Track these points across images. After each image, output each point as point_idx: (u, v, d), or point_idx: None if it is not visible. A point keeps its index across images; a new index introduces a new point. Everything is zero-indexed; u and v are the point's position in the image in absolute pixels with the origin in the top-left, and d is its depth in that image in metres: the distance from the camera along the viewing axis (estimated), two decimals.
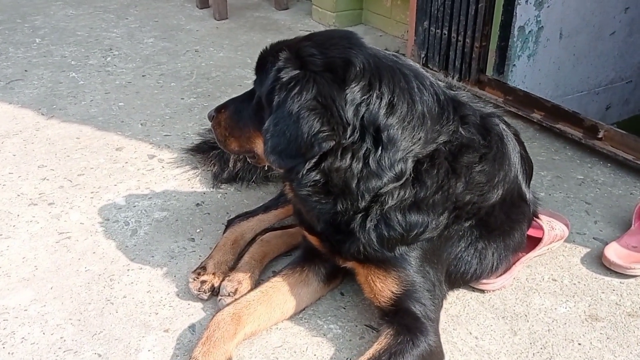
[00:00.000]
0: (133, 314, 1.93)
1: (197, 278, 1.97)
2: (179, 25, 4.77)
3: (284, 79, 1.59)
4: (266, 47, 1.78)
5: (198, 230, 2.34)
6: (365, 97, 1.59)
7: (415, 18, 3.56)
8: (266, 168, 2.38)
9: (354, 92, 1.58)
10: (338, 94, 1.57)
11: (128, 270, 2.13)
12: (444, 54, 3.46)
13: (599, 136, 2.71)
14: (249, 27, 4.73)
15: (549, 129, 2.96)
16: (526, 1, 3.40)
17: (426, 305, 1.70)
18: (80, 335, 1.85)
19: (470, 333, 1.86)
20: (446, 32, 3.38)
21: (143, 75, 3.79)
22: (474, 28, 3.21)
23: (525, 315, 1.92)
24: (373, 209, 1.66)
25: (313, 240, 1.88)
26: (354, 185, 1.62)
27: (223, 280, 1.95)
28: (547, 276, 2.09)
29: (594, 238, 2.27)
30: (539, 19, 3.52)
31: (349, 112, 1.57)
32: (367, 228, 1.67)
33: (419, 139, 1.64)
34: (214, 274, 1.98)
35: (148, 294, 2.02)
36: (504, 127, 1.88)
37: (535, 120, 3.02)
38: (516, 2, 3.37)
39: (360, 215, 1.67)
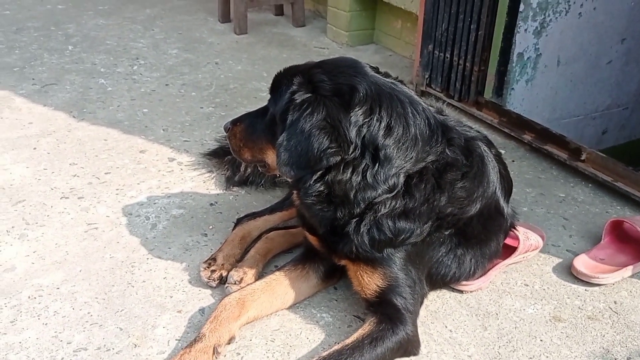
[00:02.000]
0: (151, 296, 2.20)
1: (208, 268, 2.23)
2: (201, 38, 5.08)
3: (297, 101, 1.85)
4: (281, 71, 2.05)
5: (211, 227, 2.60)
6: (367, 120, 1.84)
7: (421, 41, 3.82)
8: (276, 176, 2.65)
9: (357, 115, 1.84)
10: (344, 116, 1.83)
11: (147, 259, 2.40)
12: (446, 75, 3.72)
13: (582, 158, 2.95)
14: (266, 42, 5.02)
15: (538, 149, 3.20)
16: (525, 30, 3.64)
17: (407, 299, 1.95)
18: (104, 311, 2.12)
19: (446, 327, 2.10)
20: (448, 56, 3.64)
21: (166, 85, 4.10)
22: (473, 53, 3.47)
23: (496, 314, 2.16)
24: (367, 215, 1.91)
25: (313, 240, 2.13)
26: (352, 195, 1.87)
27: (230, 270, 2.22)
28: (520, 281, 2.33)
29: (567, 250, 2.51)
30: (537, 46, 3.75)
31: (353, 132, 1.83)
32: (361, 231, 1.92)
33: (411, 158, 1.89)
34: (222, 265, 2.25)
35: (164, 280, 2.28)
36: (486, 149, 2.13)
37: (525, 141, 3.26)
38: (515, 30, 3.61)
39: (355, 220, 1.92)
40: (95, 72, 4.26)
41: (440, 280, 2.13)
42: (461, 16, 3.48)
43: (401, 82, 2.03)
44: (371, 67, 2.00)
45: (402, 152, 1.88)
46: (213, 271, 2.22)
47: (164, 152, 3.22)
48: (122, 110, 3.69)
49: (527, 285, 2.32)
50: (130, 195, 2.82)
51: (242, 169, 2.86)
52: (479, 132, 2.22)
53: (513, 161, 3.20)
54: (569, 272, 2.36)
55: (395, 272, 1.96)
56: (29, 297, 2.17)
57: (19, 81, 4.04)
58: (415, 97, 1.99)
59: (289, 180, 1.98)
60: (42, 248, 2.44)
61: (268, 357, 1.96)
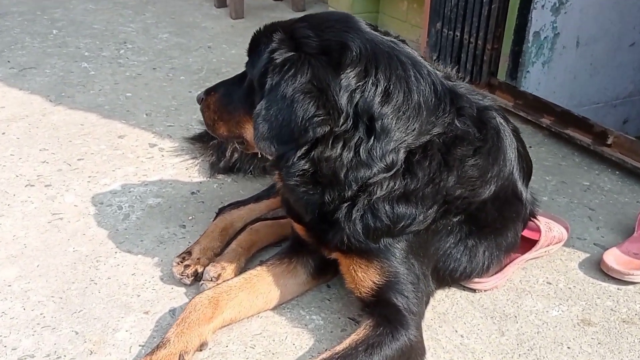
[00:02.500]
0: (115, 295, 1.91)
1: (181, 262, 1.94)
2: (194, 22, 4.80)
3: (278, 61, 1.55)
4: (260, 28, 1.75)
5: (190, 218, 2.31)
6: (361, 83, 1.55)
7: (429, 19, 3.53)
8: (258, 156, 2.34)
9: (349, 77, 1.54)
10: (333, 79, 1.53)
11: (115, 253, 2.11)
12: (455, 56, 3.42)
13: (608, 142, 2.64)
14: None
15: (558, 134, 2.89)
16: (542, 6, 3.34)
17: (409, 298, 1.65)
18: (60, 312, 1.83)
19: (456, 331, 1.80)
20: (458, 34, 3.34)
21: (154, 68, 3.81)
22: (486, 30, 3.17)
23: (515, 317, 1.86)
24: (360, 199, 1.61)
25: (299, 230, 1.84)
26: (342, 174, 1.57)
27: (207, 265, 1.92)
28: (541, 279, 2.03)
29: (594, 244, 2.20)
30: (555, 24, 3.45)
31: (343, 99, 1.53)
32: (352, 218, 1.63)
33: (413, 130, 1.59)
34: (198, 259, 1.95)
35: (132, 276, 1.99)
36: (502, 121, 1.82)
37: (544, 126, 2.95)
38: (532, 6, 3.32)
39: (347, 205, 1.63)
40: (79, 56, 3.98)
41: (448, 276, 1.82)
42: None
43: (403, 41, 1.73)
44: (368, 24, 1.69)
45: (402, 123, 1.57)
46: (187, 266, 1.93)
47: (145, 138, 2.93)
48: (103, 95, 3.40)
49: (550, 283, 2.01)
50: (103, 183, 2.53)
51: (227, 154, 2.56)
52: (493, 100, 1.90)
53: (530, 147, 2.86)
54: (598, 269, 2.06)
55: (394, 265, 1.66)
56: None
57: None
58: (419, 58, 1.69)
59: (270, 158, 1.66)
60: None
61: None
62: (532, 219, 2.02)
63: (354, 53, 1.56)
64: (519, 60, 3.45)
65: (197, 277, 1.92)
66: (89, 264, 2.04)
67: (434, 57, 3.56)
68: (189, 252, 1.98)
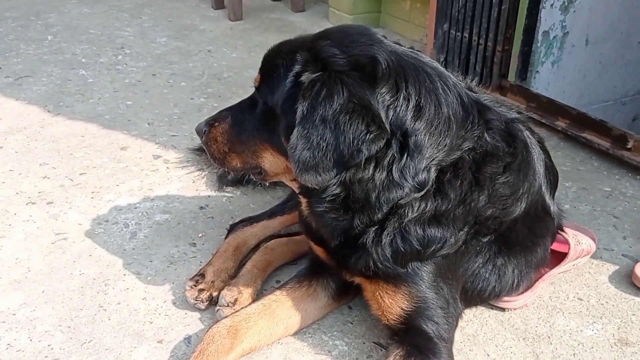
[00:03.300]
0: (126, 322, 1.81)
1: (195, 286, 1.84)
2: (192, 25, 4.69)
3: (306, 83, 1.43)
4: (273, 49, 1.63)
5: (200, 235, 2.22)
6: (393, 98, 1.45)
7: (435, 20, 3.43)
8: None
9: (382, 93, 1.44)
10: (371, 94, 1.42)
11: (124, 275, 2.01)
12: (464, 57, 3.32)
13: (628, 146, 2.56)
14: (263, 28, 4.63)
15: (574, 138, 2.81)
16: (551, 5, 3.26)
17: (439, 324, 1.56)
18: (69, 343, 1.73)
19: (488, 355, 1.71)
20: (467, 35, 3.24)
21: (153, 75, 3.70)
22: (496, 31, 3.08)
23: (549, 337, 1.77)
24: (390, 222, 1.52)
25: (320, 252, 1.74)
26: (374, 196, 1.48)
27: (222, 289, 1.82)
28: (572, 295, 1.94)
29: (622, 255, 2.12)
30: (564, 23, 3.37)
31: (382, 114, 1.43)
32: (382, 242, 1.53)
33: (445, 146, 1.50)
34: (212, 282, 1.86)
35: (143, 301, 1.90)
36: (529, 134, 1.74)
37: (559, 129, 2.87)
38: (541, 6, 3.23)
39: (375, 228, 1.53)
40: (76, 63, 3.86)
41: (476, 296, 1.73)
42: None
43: (419, 52, 1.63)
44: (382, 36, 1.60)
45: (434, 139, 1.48)
46: (201, 290, 1.83)
47: (148, 149, 2.82)
48: (103, 104, 3.29)
49: (581, 299, 1.92)
50: (108, 199, 2.42)
51: None
52: (520, 112, 1.81)
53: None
54: (630, 282, 1.98)
55: (423, 290, 1.57)
56: None
57: None
58: (443, 69, 1.60)
59: (311, 186, 1.49)
60: (0, 264, 2.05)
61: None
62: (559, 232, 1.93)
63: (384, 67, 1.46)
64: (529, 61, 3.36)
65: (212, 301, 1.83)
66: (97, 288, 1.95)
67: (442, 60, 3.47)
68: (202, 275, 1.88)
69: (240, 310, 1.69)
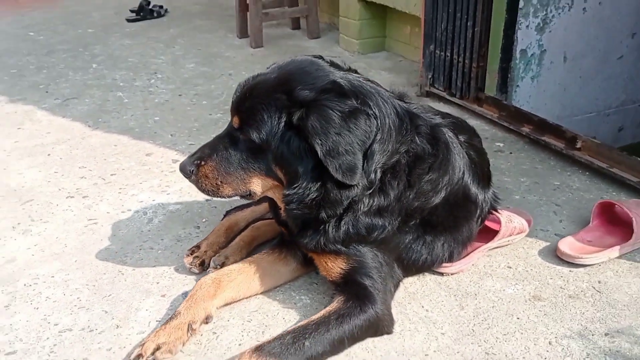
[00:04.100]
0: (138, 282, 2.28)
1: (191, 254, 2.31)
2: (218, 52, 5.26)
3: (304, 124, 1.80)
4: (243, 94, 1.95)
5: (204, 220, 2.69)
6: None
7: (423, 42, 3.86)
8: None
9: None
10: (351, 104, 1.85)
11: (140, 249, 2.49)
12: (447, 74, 3.74)
13: (577, 146, 2.91)
14: (280, 54, 5.15)
15: (536, 141, 3.18)
16: (527, 26, 3.63)
17: (374, 279, 1.96)
18: (93, 297, 2.21)
19: (422, 306, 2.10)
20: (449, 54, 3.66)
21: (179, 95, 4.25)
22: (471, 50, 3.48)
23: (475, 294, 2.15)
24: (347, 214, 1.93)
25: (286, 233, 2.17)
26: (343, 196, 1.89)
27: (213, 257, 2.29)
28: (503, 264, 2.32)
29: (555, 234, 2.48)
30: (540, 42, 3.73)
31: None
32: (340, 230, 1.94)
33: (388, 151, 1.90)
34: (205, 252, 2.31)
35: (153, 268, 2.37)
36: (451, 135, 2.13)
37: (524, 134, 3.24)
38: (517, 27, 3.61)
39: (335, 219, 1.94)
40: (115, 87, 4.46)
41: (412, 265, 2.13)
42: (458, 14, 3.51)
43: (355, 71, 2.06)
44: (327, 60, 2.03)
45: (381, 146, 1.89)
46: (196, 257, 2.29)
47: (169, 155, 3.34)
48: (134, 119, 3.85)
49: (510, 267, 2.30)
50: (132, 194, 2.94)
51: None
52: (444, 117, 2.23)
53: (511, 153, 3.19)
54: (555, 255, 2.33)
55: (359, 255, 1.98)
56: (24, 285, 2.29)
57: (43, 97, 4.28)
58: (376, 85, 2.02)
59: (353, 184, 1.85)
60: (43, 242, 2.57)
61: (243, 336, 2.00)
62: (493, 212, 2.32)
63: (345, 86, 1.88)
64: (508, 76, 3.74)
65: (205, 267, 2.28)
66: (118, 259, 2.43)
67: (430, 76, 3.89)
68: (197, 247, 2.35)
69: (224, 268, 2.15)
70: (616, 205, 2.40)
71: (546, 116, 3.45)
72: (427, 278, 2.25)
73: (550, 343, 1.91)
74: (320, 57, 2.04)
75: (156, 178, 3.08)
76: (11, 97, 4.28)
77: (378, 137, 1.88)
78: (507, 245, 2.40)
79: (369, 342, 1.94)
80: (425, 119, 2.07)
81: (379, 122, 1.89)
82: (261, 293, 2.19)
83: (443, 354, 1.89)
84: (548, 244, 2.41)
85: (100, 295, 2.22)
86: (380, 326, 1.94)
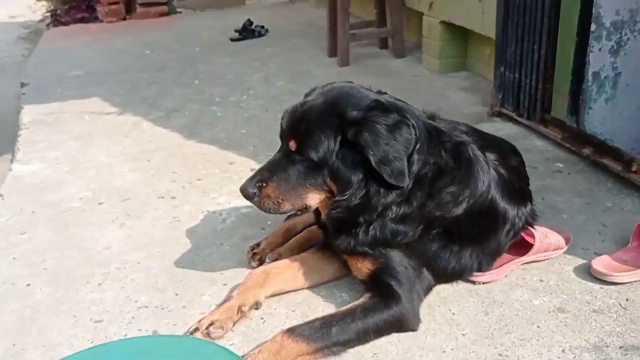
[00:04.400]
0: (207, 272, 2.65)
1: (252, 251, 2.64)
2: (307, 71, 5.64)
3: (359, 139, 2.06)
4: (294, 120, 2.20)
5: (269, 222, 3.02)
6: None
7: (495, 63, 4.00)
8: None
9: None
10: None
11: (212, 245, 2.86)
12: (515, 95, 3.85)
13: (633, 169, 2.94)
14: (364, 72, 5.44)
15: (596, 163, 3.22)
16: (599, 49, 3.64)
17: (399, 280, 2.17)
18: (168, 282, 2.60)
19: (450, 310, 2.29)
20: (517, 76, 3.78)
21: (266, 110, 4.66)
22: (537, 72, 3.58)
23: (502, 303, 2.31)
24: (377, 220, 2.18)
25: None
26: (379, 203, 2.13)
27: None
28: (536, 277, 2.44)
29: (595, 253, 2.55)
30: (615, 65, 3.71)
31: None
32: (369, 234, 2.19)
33: (421, 161, 2.15)
34: (264, 249, 2.64)
35: (221, 261, 2.73)
36: (477, 152, 2.31)
37: (584, 155, 3.29)
38: (588, 50, 3.66)
39: (367, 224, 2.19)
40: (211, 102, 4.96)
41: (442, 272, 2.32)
42: (526, 37, 3.63)
43: (385, 93, 2.32)
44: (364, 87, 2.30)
45: (418, 155, 2.14)
46: (255, 254, 2.63)
47: (249, 164, 3.72)
48: (224, 131, 4.30)
49: (542, 280, 2.42)
50: (212, 197, 3.34)
51: None
52: (469, 136, 2.42)
53: (569, 174, 3.26)
54: (589, 272, 2.42)
55: (385, 257, 2.21)
56: (115, 268, 2.73)
57: (149, 110, 4.85)
58: (406, 104, 2.27)
59: (403, 187, 2.11)
60: (135, 234, 3.01)
61: (286, 323, 2.29)
62: (528, 227, 2.46)
63: (385, 104, 2.16)
64: (580, 98, 3.77)
65: (262, 262, 2.60)
66: (193, 252, 2.82)
67: (500, 97, 4.02)
68: (258, 244, 2.68)
69: (274, 262, 2.46)
70: None
71: (623, 139, 3.46)
72: (460, 286, 2.42)
73: (563, 351, 2.04)
74: (351, 82, 2.32)
75: (235, 184, 3.46)
76: (124, 109, 4.90)
77: (417, 147, 2.13)
78: (543, 260, 2.52)
79: (394, 336, 2.16)
80: (450, 135, 2.28)
81: (417, 132, 2.14)
82: (307, 288, 2.47)
83: (459, 352, 2.07)
84: (585, 261, 2.50)
85: (174, 281, 2.61)
86: (404, 323, 2.15)
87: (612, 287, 2.34)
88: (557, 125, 3.57)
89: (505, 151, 2.57)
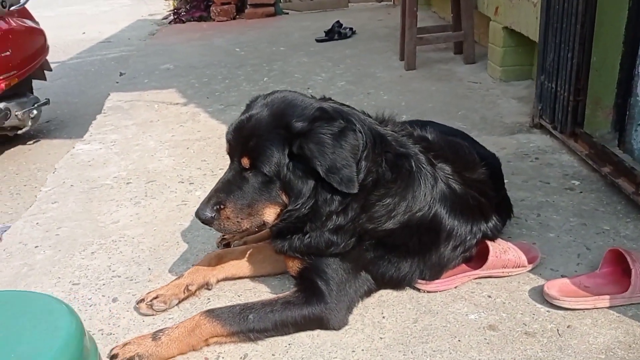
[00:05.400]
0: (185, 254, 2.83)
1: (223, 236, 2.79)
2: (373, 73, 5.67)
3: (305, 151, 2.05)
4: (248, 136, 2.16)
5: None
6: None
7: (537, 72, 3.79)
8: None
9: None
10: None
11: (202, 229, 3.03)
12: (552, 106, 3.62)
13: None
14: (426, 77, 5.37)
15: (612, 183, 2.97)
16: None
17: (326, 280, 2.18)
18: (149, 257, 2.82)
19: (382, 314, 2.27)
20: (553, 86, 3.56)
21: None
22: (569, 82, 3.36)
23: (436, 313, 2.25)
24: (315, 230, 2.18)
25: None
26: (324, 211, 2.14)
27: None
28: (486, 292, 2.34)
29: (561, 275, 2.39)
30: None
31: None
32: (303, 242, 2.20)
33: (366, 168, 2.12)
34: (233, 236, 2.76)
35: (202, 244, 2.90)
36: (423, 165, 2.26)
37: (603, 174, 3.04)
38: (638, 61, 3.37)
39: (303, 232, 2.19)
40: None
41: (381, 278, 2.30)
42: (562, 45, 3.41)
43: (329, 99, 2.32)
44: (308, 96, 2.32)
45: (365, 162, 2.12)
46: (224, 239, 2.78)
47: None
48: None
49: (490, 297, 2.32)
50: None
51: None
52: (420, 145, 2.35)
53: (581, 192, 3.03)
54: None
55: (317, 260, 2.22)
56: (112, 240, 3.01)
57: (212, 102, 5.17)
58: (352, 109, 2.26)
59: (353, 192, 2.09)
60: (143, 212, 3.29)
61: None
62: (485, 242, 2.36)
63: (331, 111, 2.15)
64: (626, 113, 3.48)
65: (228, 247, 2.74)
66: (182, 233, 3.02)
67: (539, 108, 3.80)
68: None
69: (230, 247, 2.59)
70: (624, 254, 2.24)
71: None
72: (405, 293, 2.38)
73: None
74: (293, 91, 2.33)
75: None
76: (190, 101, 5.27)
77: (365, 154, 2.13)
78: (502, 276, 2.40)
79: (316, 331, 2.20)
80: (394, 145, 2.24)
81: (364, 137, 2.14)
82: (260, 276, 2.57)
83: (367, 354, 2.07)
84: (546, 282, 2.35)
85: (154, 257, 2.82)
86: (324, 321, 2.18)
87: (561, 311, 2.19)
88: (586, 141, 3.32)
89: (468, 163, 2.46)
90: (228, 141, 2.25)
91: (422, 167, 2.25)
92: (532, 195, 3.03)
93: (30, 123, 5.31)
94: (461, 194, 2.32)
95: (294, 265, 2.28)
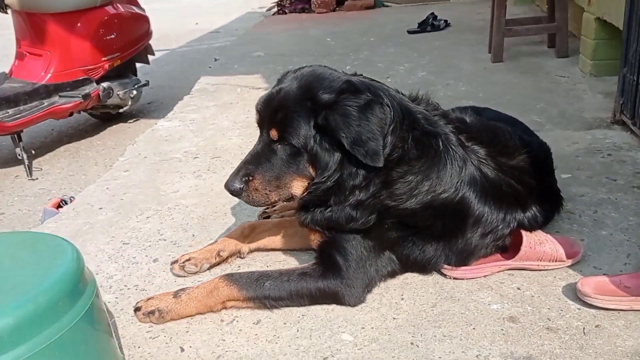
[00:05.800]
0: (227, 223, 2.93)
1: (265, 210, 2.85)
2: (456, 64, 5.52)
3: (330, 121, 2.02)
4: (273, 109, 2.14)
5: None
6: None
7: (620, 64, 3.52)
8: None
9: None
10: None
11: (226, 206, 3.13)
12: (633, 100, 3.35)
13: None
14: (511, 69, 5.14)
15: None
16: None
17: (345, 256, 2.16)
18: (196, 224, 2.94)
19: (401, 296, 2.22)
20: (636, 79, 3.29)
21: None
22: None
23: (457, 300, 2.16)
24: (337, 204, 2.15)
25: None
26: (348, 185, 2.10)
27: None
28: (516, 284, 2.22)
29: (604, 274, 2.21)
30: None
31: None
32: (324, 215, 2.17)
33: (392, 143, 2.08)
34: (274, 210, 2.82)
35: (247, 217, 2.98)
36: (452, 146, 2.17)
37: None
38: None
39: (326, 205, 2.17)
40: None
41: (405, 260, 2.25)
42: None
43: (361, 75, 2.28)
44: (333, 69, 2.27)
45: (392, 137, 2.07)
46: (265, 212, 2.83)
47: None
48: None
49: (520, 289, 2.19)
50: None
51: None
52: (453, 130, 2.25)
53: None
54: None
55: (335, 235, 2.20)
56: (168, 208, 3.17)
57: None
58: (383, 85, 2.21)
59: (378, 165, 2.04)
60: (202, 184, 3.43)
61: None
62: (523, 232, 2.23)
63: (357, 84, 2.12)
64: None
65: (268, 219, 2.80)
66: (233, 205, 3.11)
67: (621, 102, 3.52)
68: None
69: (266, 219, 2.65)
70: None
71: None
72: (431, 277, 2.31)
73: (477, 356, 1.88)
74: (321, 66, 2.30)
75: None
76: (271, 85, 5.37)
77: (391, 128, 2.08)
78: (538, 269, 2.27)
79: (332, 305, 2.19)
80: (423, 124, 2.16)
81: (392, 110, 2.09)
82: (292, 250, 2.60)
83: (375, 332, 2.04)
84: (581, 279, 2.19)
85: (200, 225, 2.94)
86: (339, 296, 2.16)
87: (593, 310, 2.03)
88: None
89: (506, 148, 2.33)
90: (258, 112, 2.24)
91: (451, 147, 2.17)
92: (593, 192, 2.82)
93: (130, 102, 5.66)
94: (494, 179, 2.21)
95: (315, 239, 2.28)
